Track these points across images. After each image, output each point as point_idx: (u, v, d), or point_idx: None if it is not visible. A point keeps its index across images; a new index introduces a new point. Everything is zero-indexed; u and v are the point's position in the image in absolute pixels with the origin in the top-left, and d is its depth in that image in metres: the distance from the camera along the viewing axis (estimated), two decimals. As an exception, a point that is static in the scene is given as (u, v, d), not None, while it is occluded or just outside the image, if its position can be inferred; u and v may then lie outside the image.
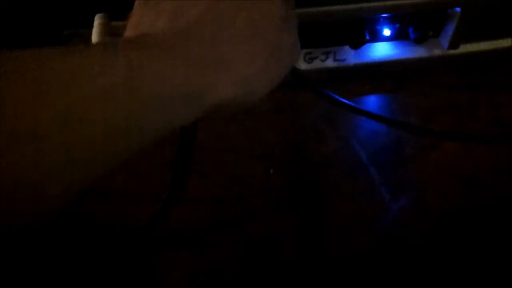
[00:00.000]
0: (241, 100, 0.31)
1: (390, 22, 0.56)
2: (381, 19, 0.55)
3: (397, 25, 0.56)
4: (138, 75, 0.25)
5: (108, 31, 0.47)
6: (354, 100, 0.57)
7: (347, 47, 0.56)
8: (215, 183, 0.50)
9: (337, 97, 0.46)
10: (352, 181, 0.51)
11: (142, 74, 0.26)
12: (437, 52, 0.58)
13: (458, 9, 0.54)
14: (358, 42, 0.55)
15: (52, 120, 0.22)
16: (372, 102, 0.58)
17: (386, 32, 0.56)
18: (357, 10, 0.51)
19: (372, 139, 0.54)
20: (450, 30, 0.57)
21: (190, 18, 0.30)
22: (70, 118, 0.22)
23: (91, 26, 0.47)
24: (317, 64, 0.56)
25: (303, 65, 0.56)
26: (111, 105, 0.24)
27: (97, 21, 0.47)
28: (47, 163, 0.22)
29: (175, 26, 0.30)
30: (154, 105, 0.26)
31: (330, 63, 0.57)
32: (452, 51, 0.58)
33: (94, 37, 0.46)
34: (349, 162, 0.53)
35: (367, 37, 0.55)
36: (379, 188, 0.50)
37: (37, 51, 0.24)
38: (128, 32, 0.32)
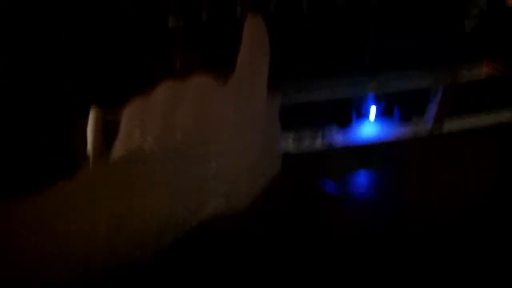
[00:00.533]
0: (225, 212, 0.32)
1: (375, 103, 0.57)
2: (367, 101, 0.57)
3: (382, 106, 0.58)
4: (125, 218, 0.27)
5: (102, 125, 0.48)
6: (343, 179, 0.58)
7: (334, 127, 0.58)
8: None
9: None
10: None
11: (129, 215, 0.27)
12: (421, 130, 0.60)
13: (440, 88, 0.56)
14: (346, 121, 0.57)
15: None
16: (360, 180, 0.59)
17: (372, 112, 0.58)
18: (343, 91, 0.53)
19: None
20: (433, 109, 0.58)
21: (177, 136, 0.32)
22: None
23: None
24: (305, 145, 0.58)
25: (292, 147, 0.57)
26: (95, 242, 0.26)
27: (91, 115, 0.48)
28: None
29: (164, 145, 0.32)
30: (141, 237, 0.28)
31: (318, 144, 0.58)
32: (436, 129, 0.60)
33: (89, 132, 0.47)
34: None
35: (354, 117, 0.56)
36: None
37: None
38: (118, 148, 0.34)
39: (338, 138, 0.58)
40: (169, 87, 0.36)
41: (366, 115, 0.58)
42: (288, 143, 0.57)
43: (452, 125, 0.61)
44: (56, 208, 0.27)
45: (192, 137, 0.32)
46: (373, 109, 0.58)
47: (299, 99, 0.52)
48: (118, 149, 0.34)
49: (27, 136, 0.50)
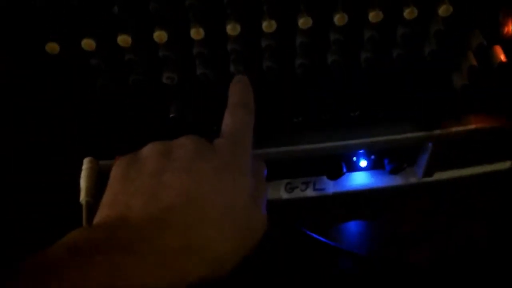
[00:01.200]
0: (210, 277, 0.32)
1: (366, 155, 0.59)
2: (357, 153, 0.58)
3: (373, 157, 0.59)
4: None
5: (96, 174, 0.50)
6: (335, 228, 0.59)
7: (325, 177, 0.59)
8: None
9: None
10: None
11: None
12: (412, 180, 0.61)
13: (430, 144, 0.57)
14: (336, 174, 0.58)
15: None
16: (351, 228, 0.61)
17: (363, 163, 0.59)
18: (333, 148, 0.55)
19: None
20: (423, 161, 0.60)
21: (162, 204, 0.32)
22: None
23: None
24: (297, 193, 0.59)
25: (284, 195, 0.59)
26: None
27: (85, 165, 0.50)
28: None
29: (149, 212, 0.32)
30: None
31: (310, 192, 0.59)
32: (426, 179, 0.61)
33: (83, 182, 0.49)
34: None
35: (344, 170, 0.58)
36: None
37: None
38: (103, 210, 0.34)
39: (329, 187, 0.59)
40: (157, 150, 0.36)
41: (356, 167, 0.59)
42: (281, 190, 0.59)
43: (442, 175, 0.62)
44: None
45: (177, 203, 0.32)
46: (363, 162, 0.59)
47: (288, 153, 0.54)
48: (103, 211, 0.34)
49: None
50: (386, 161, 0.59)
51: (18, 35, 0.45)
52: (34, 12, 0.43)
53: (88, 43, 0.44)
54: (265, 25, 0.45)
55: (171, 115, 0.50)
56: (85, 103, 0.50)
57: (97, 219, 0.34)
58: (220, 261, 0.32)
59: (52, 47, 0.44)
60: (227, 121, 0.40)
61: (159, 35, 0.44)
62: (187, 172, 0.34)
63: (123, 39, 0.44)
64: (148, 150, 0.37)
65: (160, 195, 0.33)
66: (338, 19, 0.46)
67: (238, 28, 0.45)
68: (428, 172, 0.60)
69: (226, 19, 0.45)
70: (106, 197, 0.35)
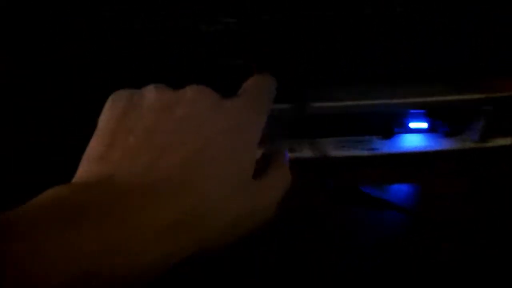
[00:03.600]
0: (197, 255, 0.29)
1: (420, 116, 0.58)
2: (411, 113, 0.58)
3: (428, 120, 0.59)
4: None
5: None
6: (382, 188, 0.59)
7: (378, 137, 0.59)
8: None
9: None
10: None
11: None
12: (466, 145, 0.60)
13: (487, 107, 0.57)
14: (388, 134, 0.58)
15: None
16: (399, 190, 0.61)
17: (417, 125, 0.59)
18: (388, 105, 0.55)
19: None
20: (480, 125, 0.59)
21: (160, 173, 0.28)
22: None
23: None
24: (350, 151, 0.59)
25: (337, 153, 0.59)
26: None
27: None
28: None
29: (143, 180, 0.28)
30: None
31: (362, 151, 0.59)
32: (481, 144, 0.60)
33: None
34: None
35: (397, 130, 0.57)
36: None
37: None
38: (89, 164, 0.30)
39: (382, 147, 0.59)
40: (162, 100, 0.31)
41: (409, 127, 0.59)
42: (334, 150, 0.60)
43: (497, 142, 0.61)
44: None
45: (177, 175, 0.28)
46: (417, 123, 0.59)
47: (343, 108, 0.54)
48: (90, 165, 0.30)
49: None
50: (440, 124, 0.59)
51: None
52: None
53: None
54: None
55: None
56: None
57: (81, 173, 0.30)
58: (211, 241, 0.29)
59: None
60: (249, 81, 0.35)
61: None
62: (194, 136, 0.30)
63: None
64: (151, 97, 0.32)
65: (158, 161, 0.29)
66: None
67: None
68: (483, 138, 0.60)
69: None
70: (94, 148, 0.30)
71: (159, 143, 0.29)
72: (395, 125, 0.57)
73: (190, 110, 0.31)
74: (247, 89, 0.34)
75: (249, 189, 0.31)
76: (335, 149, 0.59)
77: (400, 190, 0.61)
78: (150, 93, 0.32)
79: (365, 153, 0.59)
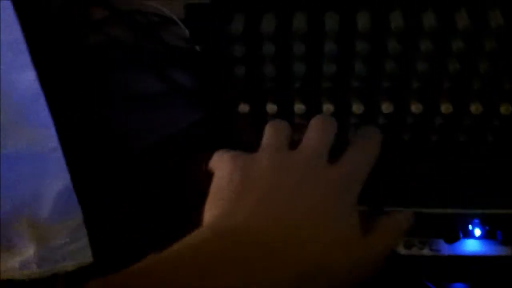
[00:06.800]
0: None
1: (480, 224, 0.66)
2: (473, 221, 0.66)
3: (487, 228, 0.66)
4: None
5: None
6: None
7: (441, 240, 0.67)
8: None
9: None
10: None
11: None
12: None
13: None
14: (453, 239, 0.65)
15: None
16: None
17: (477, 232, 0.66)
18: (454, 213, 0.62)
19: None
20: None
21: (291, 221, 0.31)
22: None
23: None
24: (415, 251, 0.67)
25: (402, 250, 0.67)
26: None
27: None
28: None
29: (256, 222, 0.31)
30: None
31: (426, 251, 0.67)
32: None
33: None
34: None
35: (460, 235, 0.65)
36: None
37: None
38: (219, 219, 0.33)
39: (445, 250, 0.67)
40: (275, 156, 0.35)
41: (471, 234, 0.67)
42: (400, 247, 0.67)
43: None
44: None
45: (307, 228, 0.31)
46: (477, 230, 0.66)
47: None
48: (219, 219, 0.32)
49: None
50: (498, 233, 0.66)
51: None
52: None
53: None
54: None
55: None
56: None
57: (209, 224, 0.33)
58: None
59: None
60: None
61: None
62: (311, 193, 0.33)
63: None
64: (266, 155, 0.36)
65: (283, 216, 0.32)
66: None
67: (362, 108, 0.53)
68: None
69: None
70: (219, 204, 0.34)
71: (281, 199, 0.32)
72: (458, 232, 0.65)
73: (306, 169, 0.34)
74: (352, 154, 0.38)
75: (360, 243, 0.34)
76: (403, 248, 0.67)
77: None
78: (265, 154, 0.36)
79: (430, 253, 0.67)
